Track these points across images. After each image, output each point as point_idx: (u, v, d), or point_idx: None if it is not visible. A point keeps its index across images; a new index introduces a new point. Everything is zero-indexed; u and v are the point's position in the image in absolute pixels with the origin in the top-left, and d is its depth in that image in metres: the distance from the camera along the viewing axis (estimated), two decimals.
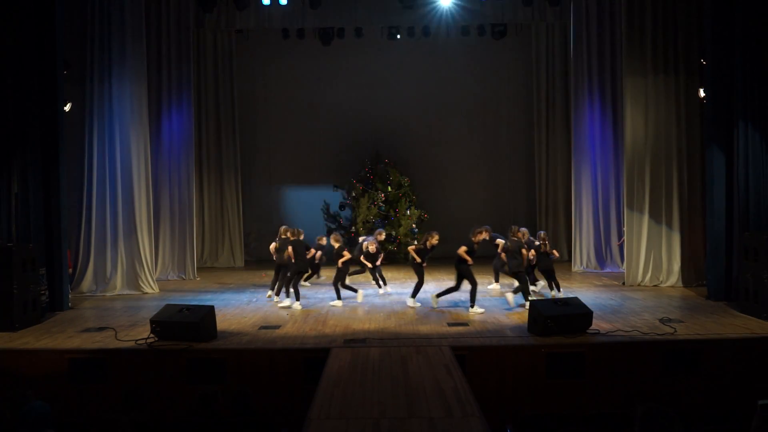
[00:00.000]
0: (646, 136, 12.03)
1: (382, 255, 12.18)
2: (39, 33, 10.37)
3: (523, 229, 11.16)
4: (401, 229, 15.41)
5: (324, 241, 12.62)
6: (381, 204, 16.10)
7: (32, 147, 10.29)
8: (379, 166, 16.59)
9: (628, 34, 12.04)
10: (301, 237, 10.96)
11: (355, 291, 11.23)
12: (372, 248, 11.64)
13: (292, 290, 10.60)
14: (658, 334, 8.18)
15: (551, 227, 16.52)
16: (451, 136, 17.58)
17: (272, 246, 11.20)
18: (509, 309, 10.08)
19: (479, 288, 10.36)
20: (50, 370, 7.81)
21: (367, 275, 12.63)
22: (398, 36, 15.98)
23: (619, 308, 9.99)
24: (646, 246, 12.09)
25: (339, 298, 10.80)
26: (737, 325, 8.76)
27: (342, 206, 16.55)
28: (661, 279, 12.04)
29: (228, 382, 7.65)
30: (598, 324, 8.62)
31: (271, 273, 11.39)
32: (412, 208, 16.22)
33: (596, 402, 7.50)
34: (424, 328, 8.86)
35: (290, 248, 10.55)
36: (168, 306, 8.75)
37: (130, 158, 12.32)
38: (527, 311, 8.81)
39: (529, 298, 9.93)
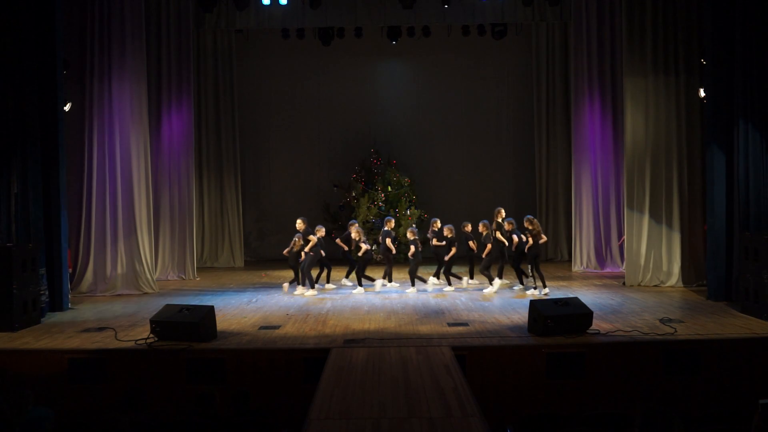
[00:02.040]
0: (646, 136, 12.02)
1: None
2: (39, 33, 10.36)
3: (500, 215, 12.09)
4: (401, 230, 15.37)
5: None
6: (381, 204, 16.09)
7: (32, 147, 10.28)
8: (379, 165, 16.58)
9: (628, 34, 12.03)
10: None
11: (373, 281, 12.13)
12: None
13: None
14: (658, 334, 8.18)
15: (551, 227, 16.51)
16: (451, 136, 17.55)
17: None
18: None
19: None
20: (50, 370, 7.82)
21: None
22: (398, 36, 15.97)
23: (619, 308, 9.99)
24: (647, 246, 12.08)
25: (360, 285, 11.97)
26: (738, 325, 8.77)
27: (342, 206, 16.56)
28: (661, 279, 12.03)
29: (228, 382, 7.66)
30: (598, 324, 8.62)
31: (271, 273, 11.41)
32: (412, 208, 16.21)
33: (596, 402, 7.50)
34: (424, 328, 8.86)
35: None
36: (168, 306, 8.76)
37: (130, 158, 12.31)
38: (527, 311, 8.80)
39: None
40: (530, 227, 11.55)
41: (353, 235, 12.06)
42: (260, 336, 8.59)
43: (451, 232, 12.05)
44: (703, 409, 6.97)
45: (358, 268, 12.08)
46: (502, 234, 11.84)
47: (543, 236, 11.55)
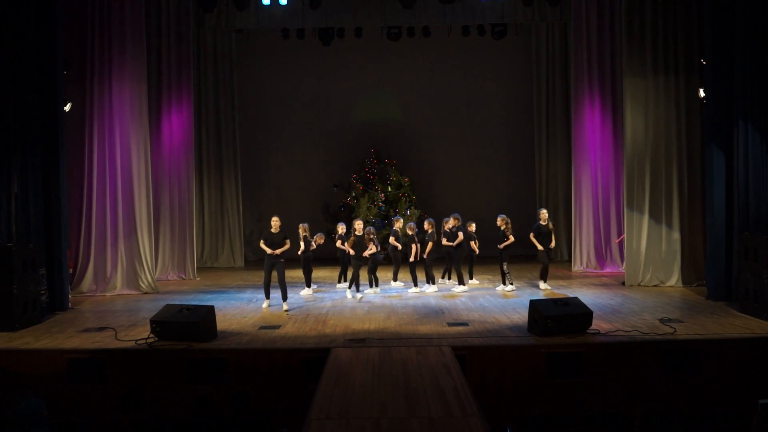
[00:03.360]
0: (646, 136, 12.02)
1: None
2: (39, 33, 10.36)
3: (456, 215, 12.07)
4: (403, 228, 15.40)
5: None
6: (381, 204, 16.10)
7: (32, 147, 10.29)
8: (379, 165, 16.59)
9: (628, 34, 12.04)
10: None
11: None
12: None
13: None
14: (658, 334, 8.19)
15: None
16: (451, 136, 17.57)
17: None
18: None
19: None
20: (50, 370, 7.82)
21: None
22: (398, 36, 15.98)
23: (619, 308, 10.00)
24: (646, 246, 12.08)
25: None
26: (737, 325, 8.77)
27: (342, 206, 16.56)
28: (661, 279, 12.03)
29: (228, 382, 7.66)
30: (598, 324, 8.62)
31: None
32: (412, 208, 16.22)
33: (596, 402, 7.51)
34: (424, 328, 8.86)
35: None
36: (168, 306, 8.76)
37: (130, 158, 12.31)
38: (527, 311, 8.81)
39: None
40: (504, 226, 11.76)
41: (301, 232, 11.95)
42: (260, 336, 8.59)
43: (412, 231, 12.00)
44: (703, 409, 6.97)
45: (304, 268, 12.00)
46: (535, 237, 11.65)
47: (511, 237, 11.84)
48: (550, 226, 11.78)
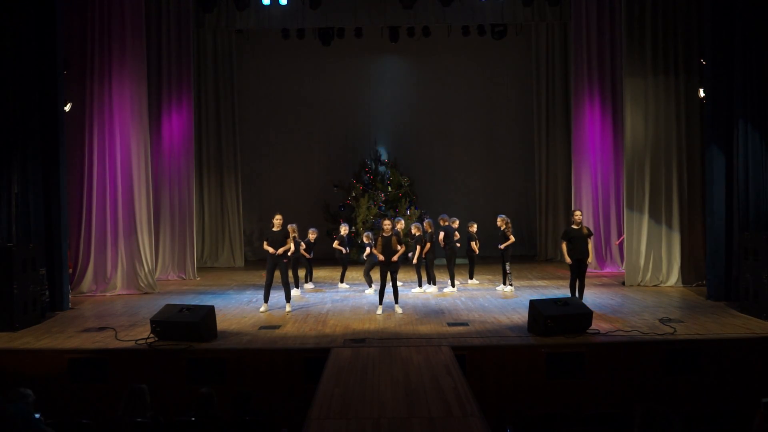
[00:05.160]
0: (646, 136, 12.03)
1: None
2: (39, 33, 10.36)
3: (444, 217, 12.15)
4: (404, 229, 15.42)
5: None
6: (381, 204, 16.10)
7: (32, 147, 10.28)
8: (380, 165, 16.60)
9: (628, 34, 12.05)
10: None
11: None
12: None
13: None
14: (658, 334, 8.19)
15: (551, 227, 16.51)
16: (451, 136, 17.58)
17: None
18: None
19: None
20: (50, 370, 7.82)
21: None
22: (398, 36, 15.98)
23: (619, 308, 10.00)
24: (646, 246, 12.08)
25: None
26: (737, 325, 8.77)
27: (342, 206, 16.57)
28: (661, 279, 12.04)
29: (228, 382, 7.66)
30: (598, 324, 8.63)
31: None
32: (412, 208, 16.23)
33: (596, 402, 7.51)
34: (424, 328, 8.87)
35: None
36: (168, 306, 8.76)
37: (130, 158, 12.32)
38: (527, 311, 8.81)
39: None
40: (504, 226, 11.77)
41: (290, 233, 11.90)
42: (260, 336, 8.60)
43: (418, 230, 11.88)
44: (703, 408, 6.97)
45: (292, 268, 11.90)
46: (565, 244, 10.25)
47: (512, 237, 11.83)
48: (585, 230, 10.11)
